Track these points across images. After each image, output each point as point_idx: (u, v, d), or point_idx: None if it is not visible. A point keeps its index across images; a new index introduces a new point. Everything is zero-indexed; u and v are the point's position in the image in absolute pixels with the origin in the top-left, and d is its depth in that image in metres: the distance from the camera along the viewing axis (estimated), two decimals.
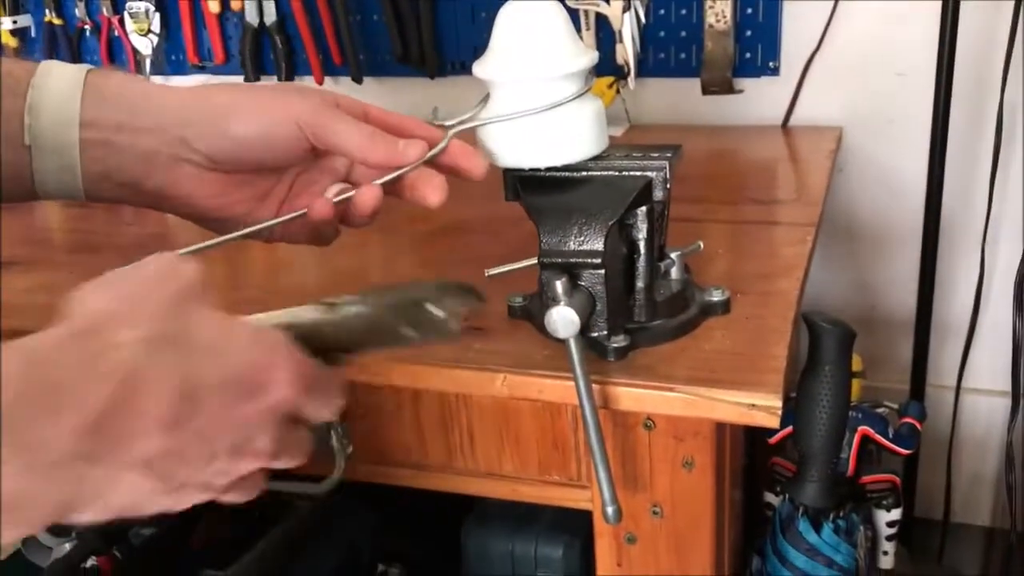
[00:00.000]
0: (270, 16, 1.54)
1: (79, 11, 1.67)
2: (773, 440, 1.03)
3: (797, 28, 1.33)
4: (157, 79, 1.67)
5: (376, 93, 1.52)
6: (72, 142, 0.57)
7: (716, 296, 0.76)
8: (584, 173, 0.68)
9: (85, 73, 0.58)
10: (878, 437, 1.02)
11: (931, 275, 1.30)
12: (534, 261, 0.68)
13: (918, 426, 1.07)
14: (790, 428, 0.94)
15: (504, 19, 0.65)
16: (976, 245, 1.35)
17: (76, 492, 0.36)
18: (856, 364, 0.99)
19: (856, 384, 1.00)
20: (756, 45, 1.34)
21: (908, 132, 1.32)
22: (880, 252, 1.41)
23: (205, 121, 0.58)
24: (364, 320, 0.50)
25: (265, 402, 0.42)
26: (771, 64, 1.35)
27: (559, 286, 0.64)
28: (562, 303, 0.64)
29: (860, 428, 1.02)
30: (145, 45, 1.62)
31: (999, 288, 1.38)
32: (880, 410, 1.08)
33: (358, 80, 1.50)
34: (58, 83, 0.57)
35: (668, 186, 0.69)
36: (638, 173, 0.68)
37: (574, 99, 0.65)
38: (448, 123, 0.66)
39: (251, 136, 0.58)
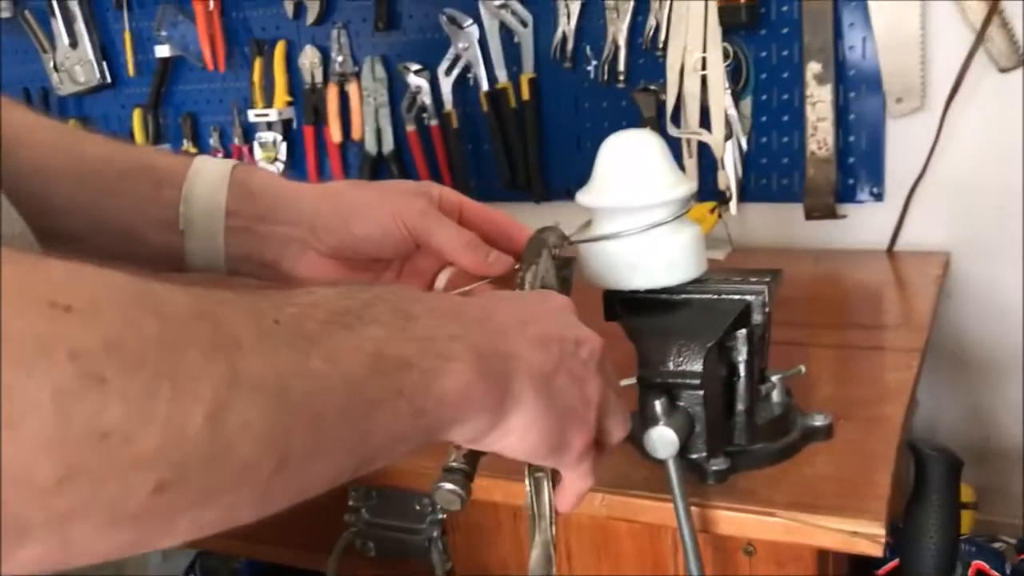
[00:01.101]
0: (387, 145, 1.63)
1: (213, 140, 1.80)
2: (881, 572, 1.00)
3: (900, 154, 1.34)
4: None
5: None
6: (218, 229, 0.65)
7: (819, 421, 0.76)
8: (683, 296, 0.70)
9: (231, 168, 0.67)
10: (993, 573, 0.98)
11: None
12: (633, 381, 0.70)
13: None
14: (897, 560, 0.91)
15: (607, 150, 0.68)
16: None
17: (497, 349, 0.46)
18: (967, 495, 0.96)
19: (968, 516, 0.96)
20: (859, 171, 1.35)
21: (1016, 258, 1.30)
22: (992, 380, 1.37)
23: (332, 218, 0.66)
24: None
25: (587, 348, 0.52)
26: (874, 190, 1.35)
27: (658, 406, 0.66)
28: (661, 423, 0.65)
29: (974, 563, 0.97)
30: (272, 171, 1.73)
31: None
32: (996, 545, 1.03)
33: None
34: (208, 177, 0.66)
35: (767, 310, 0.70)
36: (736, 297, 0.69)
37: (671, 224, 0.67)
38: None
39: (369, 234, 0.66)
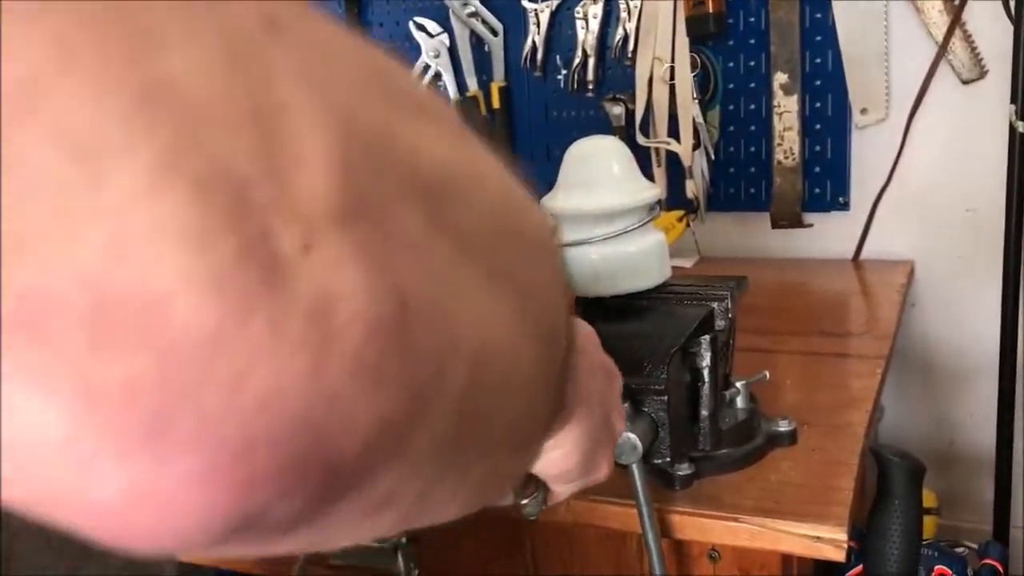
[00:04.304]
0: None
1: None
2: None
3: (866, 164, 1.35)
4: None
5: None
6: None
7: (783, 426, 0.76)
8: (647, 302, 0.70)
9: None
10: None
11: (1010, 412, 1.27)
12: None
13: (1000, 568, 1.03)
14: (861, 566, 0.91)
15: (570, 157, 0.69)
16: None
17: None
18: (929, 500, 0.97)
19: (931, 521, 0.97)
20: (825, 181, 1.37)
21: (980, 267, 1.32)
22: (957, 387, 1.39)
23: None
24: None
25: (619, 382, 0.52)
26: (840, 199, 1.37)
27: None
28: (625, 428, 0.65)
29: (936, 567, 0.98)
30: None
31: None
32: (959, 550, 1.04)
33: None
34: None
35: (730, 316, 0.70)
36: (700, 303, 0.70)
37: (635, 231, 0.67)
38: None
39: None
